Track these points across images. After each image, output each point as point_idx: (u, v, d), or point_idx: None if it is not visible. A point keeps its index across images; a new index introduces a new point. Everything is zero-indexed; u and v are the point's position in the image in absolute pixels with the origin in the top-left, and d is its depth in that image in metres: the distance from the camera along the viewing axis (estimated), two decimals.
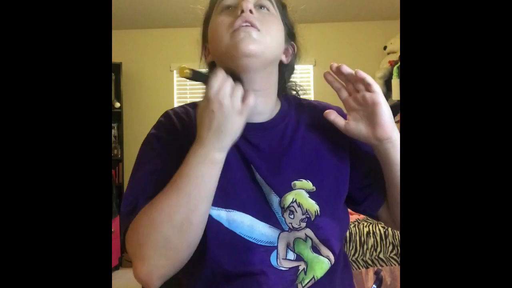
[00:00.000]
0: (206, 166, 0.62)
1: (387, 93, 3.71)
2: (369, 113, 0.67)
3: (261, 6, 0.71)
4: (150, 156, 0.73)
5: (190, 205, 0.61)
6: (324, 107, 0.79)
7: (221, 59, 0.71)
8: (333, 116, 0.71)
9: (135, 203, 0.66)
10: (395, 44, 3.60)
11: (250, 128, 0.71)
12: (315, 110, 0.79)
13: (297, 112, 0.79)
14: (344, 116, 0.74)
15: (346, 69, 0.68)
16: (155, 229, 0.61)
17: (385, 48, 3.70)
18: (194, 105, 0.80)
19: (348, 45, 3.93)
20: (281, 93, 0.80)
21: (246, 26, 0.66)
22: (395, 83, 3.32)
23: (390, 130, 0.66)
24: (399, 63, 3.23)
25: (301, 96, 0.87)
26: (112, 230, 3.17)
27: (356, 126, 0.68)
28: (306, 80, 4.00)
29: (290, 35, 0.79)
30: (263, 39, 0.68)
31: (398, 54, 3.42)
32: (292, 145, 0.74)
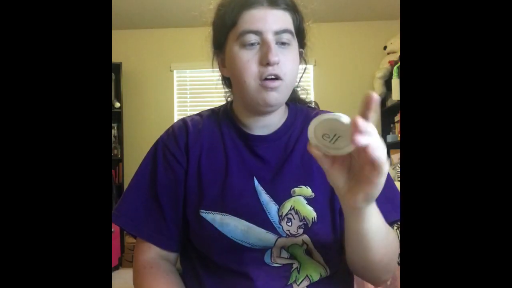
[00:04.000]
0: None
1: (387, 93, 3.71)
2: (359, 177, 0.52)
3: (282, 42, 0.69)
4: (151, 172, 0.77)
5: None
6: None
7: (243, 94, 0.71)
8: (318, 154, 0.53)
9: (135, 232, 0.75)
10: (395, 44, 3.60)
11: (255, 140, 0.76)
12: None
13: (302, 123, 0.79)
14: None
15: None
16: None
17: (385, 48, 3.70)
18: (212, 111, 0.83)
19: (348, 45, 3.93)
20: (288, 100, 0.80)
21: (272, 79, 0.68)
22: (395, 83, 3.32)
23: (360, 202, 0.53)
24: (399, 63, 3.23)
25: (308, 99, 0.88)
26: (112, 230, 3.17)
27: (335, 176, 0.54)
28: (306, 80, 4.00)
29: (302, 44, 0.77)
30: (286, 88, 0.70)
31: (398, 54, 3.42)
32: (293, 154, 0.75)
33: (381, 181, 0.50)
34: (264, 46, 0.67)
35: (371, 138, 0.46)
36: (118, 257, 3.50)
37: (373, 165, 0.48)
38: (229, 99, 0.83)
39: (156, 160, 0.76)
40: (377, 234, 0.60)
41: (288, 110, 0.80)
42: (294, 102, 0.83)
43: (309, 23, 0.78)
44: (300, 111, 0.81)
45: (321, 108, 0.88)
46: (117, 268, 3.48)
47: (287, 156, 0.75)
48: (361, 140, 0.45)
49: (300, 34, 0.73)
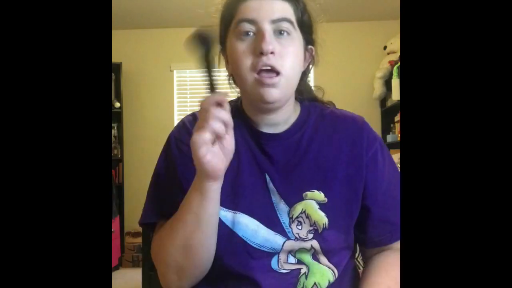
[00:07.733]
0: (195, 194, 0.63)
1: (387, 93, 3.71)
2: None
3: (280, 31, 0.66)
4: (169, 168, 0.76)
5: (186, 231, 0.65)
6: (346, 117, 0.77)
7: (243, 90, 0.71)
8: None
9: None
10: (395, 44, 3.60)
11: (266, 138, 0.73)
12: (336, 119, 0.76)
13: (316, 121, 0.76)
14: (364, 127, 0.75)
15: None
16: (163, 250, 0.69)
17: (385, 48, 3.70)
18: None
19: (348, 45, 3.92)
20: (298, 97, 0.77)
21: (267, 70, 0.65)
22: (395, 83, 3.32)
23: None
24: (399, 63, 3.23)
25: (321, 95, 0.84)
26: (112, 230, 3.17)
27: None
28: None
29: (310, 40, 0.75)
30: (286, 83, 0.67)
31: (398, 54, 3.42)
32: (307, 155, 0.72)
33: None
34: (258, 35, 0.65)
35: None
36: (118, 257, 3.51)
37: None
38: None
39: (171, 156, 0.74)
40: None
41: (301, 107, 0.77)
42: (305, 100, 0.79)
43: (322, 20, 0.75)
44: (313, 108, 0.78)
45: None
46: (117, 268, 3.48)
47: (300, 156, 0.72)
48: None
49: (305, 27, 0.70)
